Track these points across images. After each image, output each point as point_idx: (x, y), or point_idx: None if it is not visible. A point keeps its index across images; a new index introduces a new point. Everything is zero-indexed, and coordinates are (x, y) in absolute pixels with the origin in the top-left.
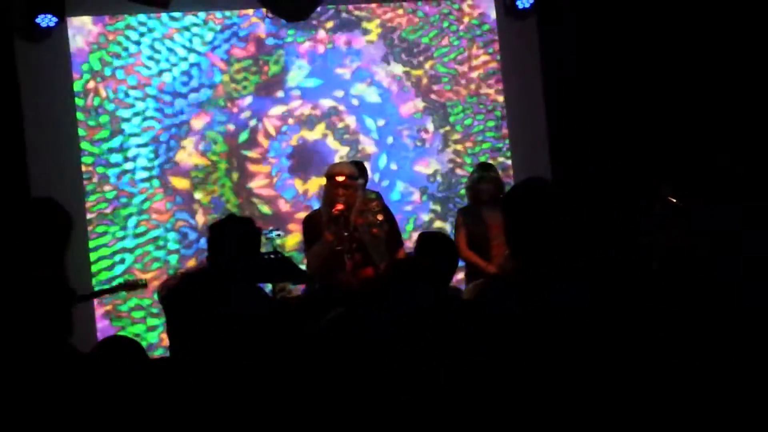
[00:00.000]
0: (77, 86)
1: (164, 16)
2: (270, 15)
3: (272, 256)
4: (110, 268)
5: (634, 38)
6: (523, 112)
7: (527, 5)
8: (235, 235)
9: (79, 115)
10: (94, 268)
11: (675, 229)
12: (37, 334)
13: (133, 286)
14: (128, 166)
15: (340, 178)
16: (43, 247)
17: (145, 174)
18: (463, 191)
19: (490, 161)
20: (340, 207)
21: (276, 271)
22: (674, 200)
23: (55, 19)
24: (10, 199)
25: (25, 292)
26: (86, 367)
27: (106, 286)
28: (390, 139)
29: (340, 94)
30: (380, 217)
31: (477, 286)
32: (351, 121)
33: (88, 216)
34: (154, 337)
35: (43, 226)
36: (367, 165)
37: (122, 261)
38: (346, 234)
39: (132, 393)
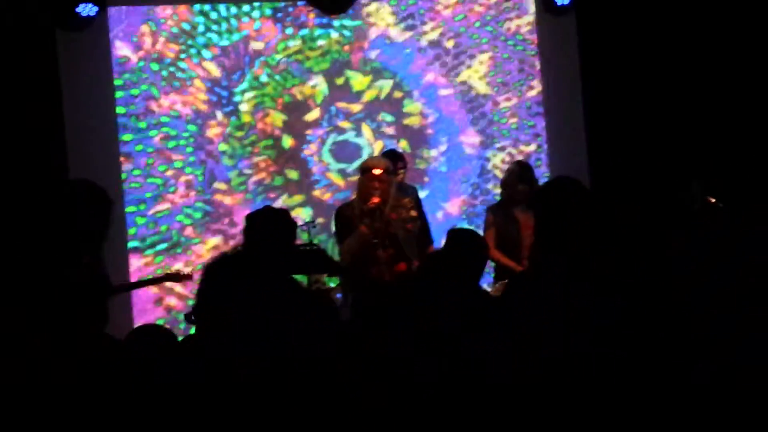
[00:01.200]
0: (117, 77)
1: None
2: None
3: (307, 247)
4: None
5: (673, 35)
6: (562, 110)
7: (566, 2)
8: (271, 227)
9: (119, 109)
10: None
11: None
12: (73, 322)
13: (176, 277)
14: (166, 156)
15: (377, 172)
16: (84, 230)
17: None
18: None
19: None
20: (375, 200)
21: (311, 263)
22: (713, 200)
23: (95, 8)
24: (49, 189)
25: (62, 282)
26: (119, 354)
27: (149, 277)
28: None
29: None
30: (414, 213)
31: (503, 285)
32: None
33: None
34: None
35: (83, 206)
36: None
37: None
38: (380, 228)
39: (163, 381)
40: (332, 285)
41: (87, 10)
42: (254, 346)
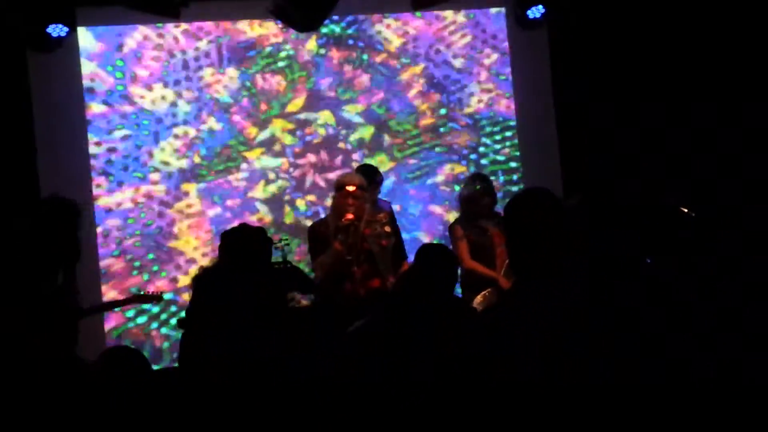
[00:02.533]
0: (88, 94)
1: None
2: (281, 26)
3: (282, 265)
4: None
5: (644, 48)
6: (534, 122)
7: (538, 15)
8: (245, 244)
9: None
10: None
11: (684, 239)
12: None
13: (148, 298)
14: (137, 173)
15: (351, 188)
16: (57, 250)
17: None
18: None
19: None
20: (350, 216)
21: (286, 281)
22: (684, 210)
23: (66, 29)
24: (20, 206)
25: (31, 302)
26: (88, 376)
27: (120, 298)
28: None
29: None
30: (388, 229)
31: (485, 296)
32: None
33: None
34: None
35: (56, 226)
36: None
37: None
38: (354, 244)
39: (134, 402)
40: (306, 302)
41: (57, 30)
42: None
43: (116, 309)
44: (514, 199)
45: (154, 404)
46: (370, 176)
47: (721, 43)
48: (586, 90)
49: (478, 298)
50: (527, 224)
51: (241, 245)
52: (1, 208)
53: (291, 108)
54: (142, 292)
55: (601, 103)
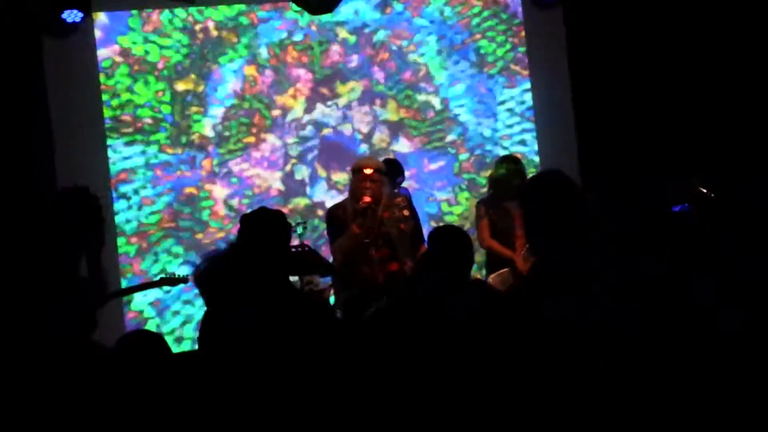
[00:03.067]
0: (103, 80)
1: None
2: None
3: (300, 249)
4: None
5: (662, 27)
6: (550, 103)
7: None
8: (265, 228)
9: (107, 112)
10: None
11: (706, 223)
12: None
13: (173, 281)
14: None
15: (368, 171)
16: (79, 235)
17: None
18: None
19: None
20: (367, 200)
21: (304, 264)
22: (706, 191)
23: (80, 15)
24: (34, 194)
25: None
26: (108, 361)
27: (145, 282)
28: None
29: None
30: (406, 213)
31: (501, 275)
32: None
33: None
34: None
35: (78, 211)
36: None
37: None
38: (372, 227)
39: (154, 386)
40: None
41: (72, 16)
42: (250, 347)
43: (142, 291)
44: (530, 180)
45: (173, 388)
46: (395, 171)
47: (750, 25)
48: (602, 70)
49: (494, 277)
50: (543, 206)
51: (260, 229)
52: (17, 196)
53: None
54: (166, 275)
55: (619, 86)
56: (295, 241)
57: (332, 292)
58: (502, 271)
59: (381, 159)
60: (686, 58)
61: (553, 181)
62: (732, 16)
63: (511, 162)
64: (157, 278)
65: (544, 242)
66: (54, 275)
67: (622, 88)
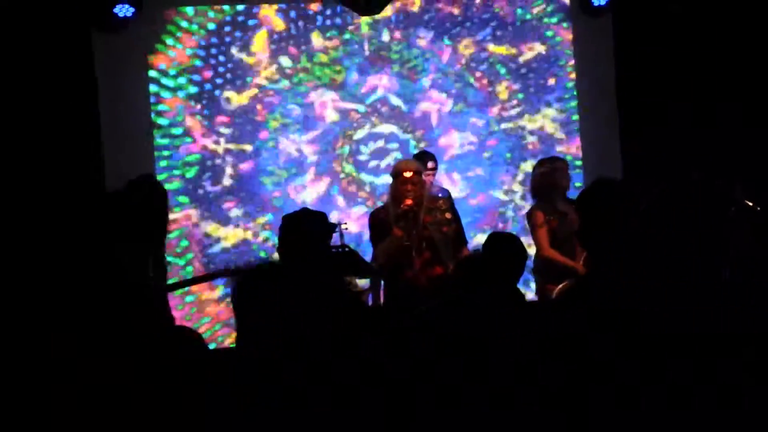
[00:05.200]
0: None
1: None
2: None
3: (341, 249)
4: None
5: (710, 35)
6: (596, 109)
7: (603, 2)
8: (307, 229)
9: (154, 117)
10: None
11: (749, 233)
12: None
13: (233, 272)
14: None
15: (408, 174)
16: (146, 228)
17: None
18: None
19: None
20: (408, 203)
21: (344, 265)
22: (749, 203)
23: (132, 9)
24: (85, 190)
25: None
26: (148, 356)
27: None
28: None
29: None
30: (449, 216)
31: (566, 287)
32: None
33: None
34: None
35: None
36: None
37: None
38: (414, 231)
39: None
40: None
41: (124, 11)
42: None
43: (204, 282)
44: (590, 189)
45: (210, 385)
46: (426, 161)
47: None
48: (649, 78)
49: (557, 290)
50: (604, 214)
51: (301, 229)
52: (68, 193)
53: None
54: (230, 266)
55: (666, 93)
56: (336, 242)
57: (371, 294)
58: (564, 283)
59: (414, 155)
60: (738, 61)
61: (613, 189)
62: None
63: (563, 162)
64: (213, 270)
65: (602, 250)
66: (123, 269)
67: (670, 94)
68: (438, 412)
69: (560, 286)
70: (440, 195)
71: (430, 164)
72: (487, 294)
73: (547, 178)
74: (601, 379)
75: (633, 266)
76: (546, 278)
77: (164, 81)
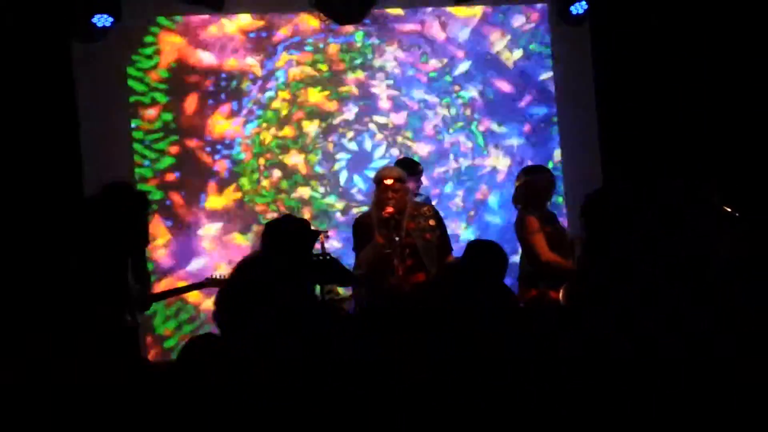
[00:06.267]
0: (132, 86)
1: None
2: (323, 18)
3: (321, 257)
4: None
5: (688, 43)
6: (575, 118)
7: (581, 11)
8: (289, 235)
9: (134, 121)
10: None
11: (726, 239)
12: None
13: (220, 282)
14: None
15: (389, 182)
16: (128, 236)
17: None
18: None
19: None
20: (390, 210)
21: (325, 273)
22: (727, 208)
23: (111, 20)
24: (64, 197)
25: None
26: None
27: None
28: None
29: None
30: (432, 222)
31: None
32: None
33: None
34: None
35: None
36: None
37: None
38: (397, 238)
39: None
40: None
41: (102, 21)
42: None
43: (187, 292)
44: (596, 196)
45: (233, 391)
46: (410, 170)
47: None
48: (628, 86)
49: (561, 293)
50: (608, 221)
51: (282, 236)
52: (48, 202)
53: None
54: (214, 276)
55: (645, 99)
56: (318, 249)
57: (353, 301)
58: (565, 286)
59: (397, 161)
60: (716, 70)
61: (619, 197)
62: (760, 24)
63: (550, 173)
64: (203, 279)
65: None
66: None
67: (648, 101)
68: (422, 414)
69: (561, 290)
70: (426, 201)
71: (417, 167)
72: (469, 299)
73: (535, 185)
74: (614, 383)
75: (647, 268)
76: (548, 283)
77: (143, 90)
